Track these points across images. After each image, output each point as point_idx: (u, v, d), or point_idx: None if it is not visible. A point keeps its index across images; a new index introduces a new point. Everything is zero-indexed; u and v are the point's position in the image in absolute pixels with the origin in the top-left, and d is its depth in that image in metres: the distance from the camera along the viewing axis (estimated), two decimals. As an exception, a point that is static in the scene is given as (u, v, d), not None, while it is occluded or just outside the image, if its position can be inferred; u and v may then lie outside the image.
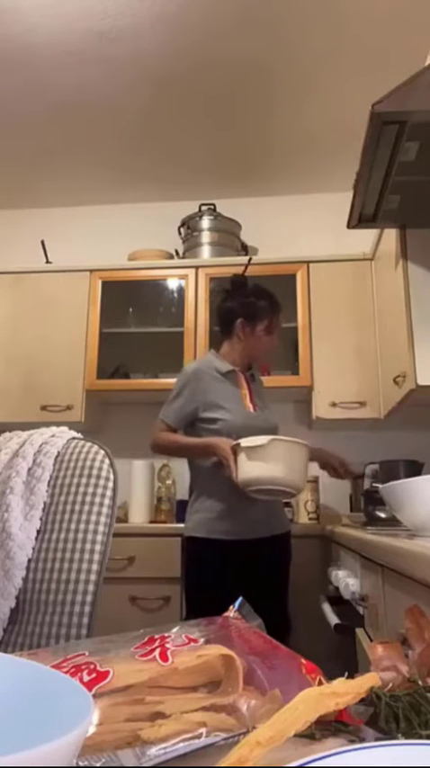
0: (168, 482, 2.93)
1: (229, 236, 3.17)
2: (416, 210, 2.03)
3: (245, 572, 1.83)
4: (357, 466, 2.51)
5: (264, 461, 1.73)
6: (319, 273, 2.91)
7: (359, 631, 1.50)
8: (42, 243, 3.18)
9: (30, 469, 1.01)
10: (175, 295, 3.11)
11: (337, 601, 1.82)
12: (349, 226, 2.10)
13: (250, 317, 2.05)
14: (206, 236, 3.12)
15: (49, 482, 1.00)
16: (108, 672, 0.40)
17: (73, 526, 0.95)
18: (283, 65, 2.48)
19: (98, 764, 0.35)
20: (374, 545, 1.20)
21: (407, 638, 0.50)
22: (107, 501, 0.97)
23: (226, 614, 0.54)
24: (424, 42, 1.68)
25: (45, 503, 0.98)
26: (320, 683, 0.44)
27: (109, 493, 0.98)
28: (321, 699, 0.37)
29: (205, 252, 3.10)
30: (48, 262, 3.17)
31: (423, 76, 1.42)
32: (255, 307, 2.06)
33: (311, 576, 2.28)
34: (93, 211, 3.52)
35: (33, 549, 0.95)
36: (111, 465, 1.01)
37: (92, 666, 0.41)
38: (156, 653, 0.43)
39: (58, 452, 1.03)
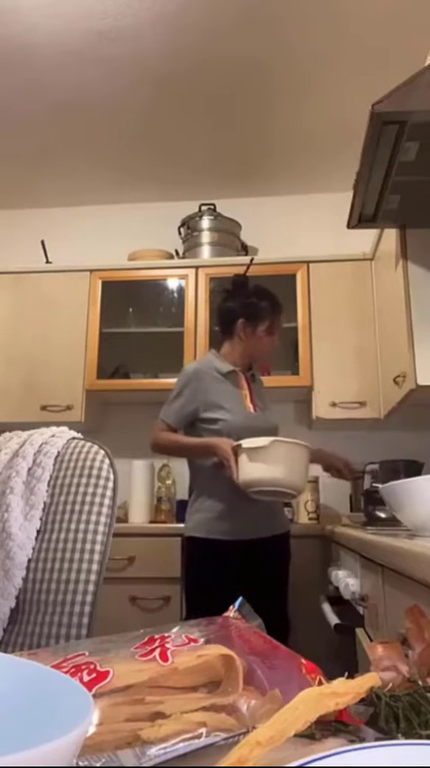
0: (168, 482, 2.93)
1: (229, 236, 3.17)
2: (416, 210, 2.03)
3: (245, 572, 1.83)
4: (357, 466, 2.52)
5: (266, 463, 1.73)
6: (319, 273, 2.91)
7: (359, 631, 1.50)
8: (42, 243, 3.18)
9: (30, 469, 1.01)
10: (175, 295, 3.11)
11: (337, 601, 1.82)
12: (349, 226, 2.10)
13: (251, 317, 2.05)
14: (206, 236, 3.12)
15: (49, 482, 1.00)
16: (108, 672, 0.40)
17: (73, 526, 0.95)
18: (283, 65, 2.48)
19: (98, 764, 0.35)
20: (374, 545, 1.20)
21: (407, 638, 0.50)
22: (107, 501, 0.97)
23: (226, 614, 0.54)
24: (424, 42, 1.68)
25: (45, 503, 0.98)
26: (320, 683, 0.44)
27: (109, 493, 0.98)
28: (321, 699, 0.37)
29: (205, 252, 3.10)
30: (48, 262, 3.17)
31: (423, 76, 1.42)
32: (257, 307, 2.06)
33: (311, 576, 2.28)
34: (93, 211, 3.52)
35: (33, 549, 0.95)
36: (112, 465, 1.01)
37: (92, 666, 0.41)
38: (156, 653, 0.43)
39: (58, 452, 1.03)
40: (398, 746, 0.32)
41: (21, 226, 3.52)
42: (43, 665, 0.37)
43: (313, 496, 2.76)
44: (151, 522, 2.79)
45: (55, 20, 2.26)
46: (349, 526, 2.04)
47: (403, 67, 1.52)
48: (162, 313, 3.19)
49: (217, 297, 2.76)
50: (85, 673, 0.41)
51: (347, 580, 1.64)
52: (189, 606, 1.95)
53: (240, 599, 0.56)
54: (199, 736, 0.38)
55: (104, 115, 2.80)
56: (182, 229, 3.22)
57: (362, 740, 0.40)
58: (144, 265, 3.09)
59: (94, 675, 0.40)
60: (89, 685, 0.39)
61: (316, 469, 2.27)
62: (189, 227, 3.18)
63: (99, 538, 0.94)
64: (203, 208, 3.18)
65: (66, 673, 0.40)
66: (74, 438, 1.07)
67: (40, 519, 0.97)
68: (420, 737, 0.39)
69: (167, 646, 0.44)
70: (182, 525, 2.04)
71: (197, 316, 2.93)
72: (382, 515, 1.93)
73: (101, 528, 0.95)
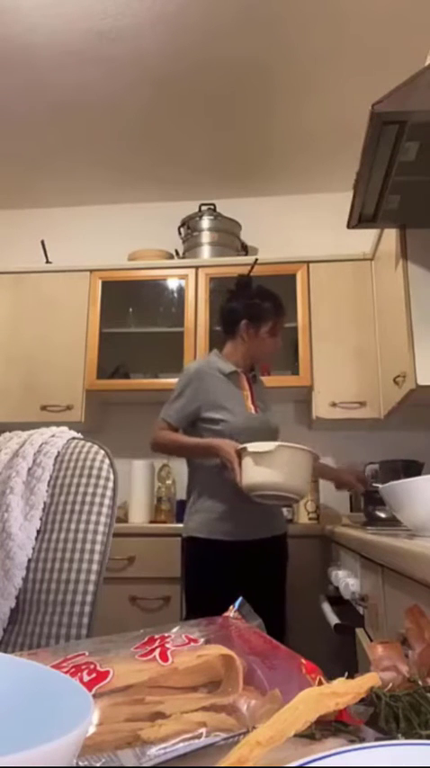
0: (168, 482, 2.93)
1: (229, 236, 3.17)
2: (416, 210, 2.03)
3: (245, 572, 1.83)
4: (358, 466, 2.53)
5: (270, 467, 1.72)
6: (319, 273, 2.91)
7: (359, 631, 1.50)
8: (42, 243, 3.18)
9: (30, 469, 1.01)
10: (175, 295, 3.11)
11: (337, 601, 1.82)
12: (349, 226, 2.10)
13: (254, 318, 2.05)
14: (206, 236, 3.12)
15: (49, 482, 1.00)
16: (108, 672, 0.40)
17: (73, 526, 0.95)
18: (283, 65, 2.48)
19: (98, 764, 0.35)
20: (374, 545, 1.20)
21: (407, 638, 0.50)
22: (107, 501, 0.97)
23: (226, 614, 0.54)
24: (424, 42, 1.68)
25: (45, 503, 0.98)
26: (320, 683, 0.44)
27: (109, 493, 0.98)
28: (321, 699, 0.37)
29: (205, 252, 3.10)
30: (48, 262, 3.17)
31: (423, 76, 1.42)
32: (260, 308, 2.05)
33: (311, 576, 2.28)
34: (93, 211, 3.52)
35: (33, 549, 0.95)
36: (112, 465, 1.01)
37: (92, 666, 0.41)
38: (156, 653, 0.43)
39: (58, 452, 1.03)
40: (398, 746, 0.32)
41: (21, 226, 3.52)
42: (43, 665, 0.37)
43: (313, 496, 2.76)
44: (151, 522, 2.79)
45: (55, 20, 2.26)
46: (349, 526, 2.04)
47: (403, 67, 1.52)
48: (162, 313, 3.19)
49: (217, 297, 2.76)
50: (84, 673, 0.41)
51: (347, 580, 1.64)
52: (189, 606, 1.95)
53: (240, 599, 0.56)
54: (199, 736, 0.38)
55: (104, 115, 2.80)
56: (182, 229, 3.22)
57: (362, 740, 0.40)
58: (144, 265, 3.09)
59: (94, 675, 0.40)
60: (89, 685, 0.39)
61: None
62: (189, 227, 3.18)
63: (99, 538, 0.94)
64: (203, 208, 3.18)
65: (66, 673, 0.40)
66: (74, 438, 1.07)
67: (40, 519, 0.97)
68: (420, 737, 0.39)
69: (167, 646, 0.44)
70: (182, 525, 2.04)
71: (197, 316, 2.93)
72: (382, 515, 1.93)
73: (101, 528, 0.95)
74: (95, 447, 1.03)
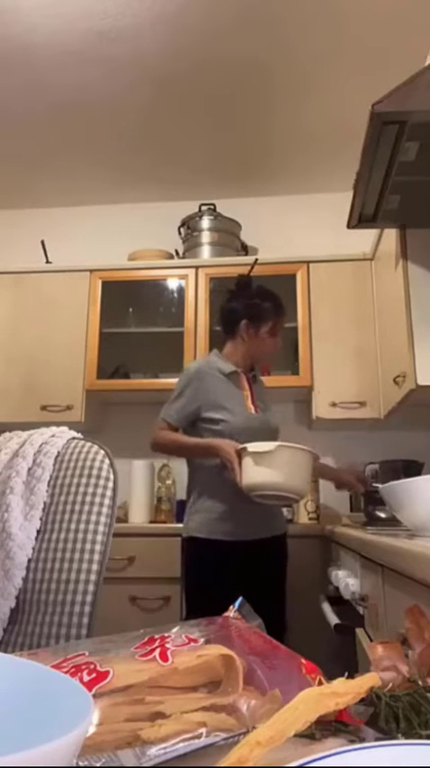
0: (168, 482, 2.93)
1: (229, 236, 3.17)
2: (416, 210, 2.03)
3: (245, 572, 1.83)
4: (358, 466, 2.53)
5: (271, 467, 1.73)
6: (319, 273, 2.91)
7: (359, 631, 1.50)
8: (42, 243, 3.18)
9: (30, 469, 1.01)
10: (175, 295, 3.11)
11: (337, 601, 1.82)
12: (349, 226, 2.10)
13: (255, 318, 2.05)
14: (206, 236, 3.12)
15: (49, 482, 1.00)
16: (108, 672, 0.40)
17: (73, 526, 0.95)
18: (283, 65, 2.48)
19: (98, 764, 0.35)
20: (374, 545, 1.20)
21: (407, 638, 0.50)
22: (107, 501, 0.97)
23: (226, 614, 0.54)
24: (424, 42, 1.68)
25: (45, 503, 0.98)
26: (320, 683, 0.44)
27: (109, 493, 0.98)
28: (321, 699, 0.37)
29: (205, 252, 3.10)
30: (48, 262, 3.17)
31: (423, 76, 1.42)
32: (260, 308, 2.05)
33: (311, 576, 2.28)
34: (93, 211, 3.52)
35: (33, 549, 0.95)
36: (112, 465, 1.01)
37: (92, 666, 0.41)
38: (156, 653, 0.43)
39: (58, 452, 1.03)
40: (398, 746, 0.32)
41: (21, 226, 3.52)
42: (43, 665, 0.37)
43: (313, 496, 2.76)
44: (151, 522, 2.79)
45: (55, 20, 2.26)
46: (349, 526, 2.04)
47: (403, 67, 1.52)
48: (162, 313, 3.19)
49: (217, 297, 2.76)
50: (84, 673, 0.41)
51: (347, 580, 1.64)
52: (189, 606, 1.95)
53: (240, 599, 0.56)
54: (199, 736, 0.38)
55: (104, 115, 2.80)
56: (182, 229, 3.22)
57: (362, 740, 0.40)
58: (144, 265, 3.09)
59: (94, 675, 0.40)
60: (89, 685, 0.39)
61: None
62: (189, 227, 3.18)
63: (99, 538, 0.94)
64: (203, 208, 3.18)
65: (66, 673, 0.40)
66: (74, 438, 1.07)
67: (40, 519, 0.97)
68: (420, 737, 0.39)
69: (167, 646, 0.44)
70: (182, 525, 2.04)
71: (197, 316, 2.93)
72: (382, 515, 1.93)
73: (101, 528, 0.95)
74: (95, 447, 1.03)
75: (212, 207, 3.19)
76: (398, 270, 2.23)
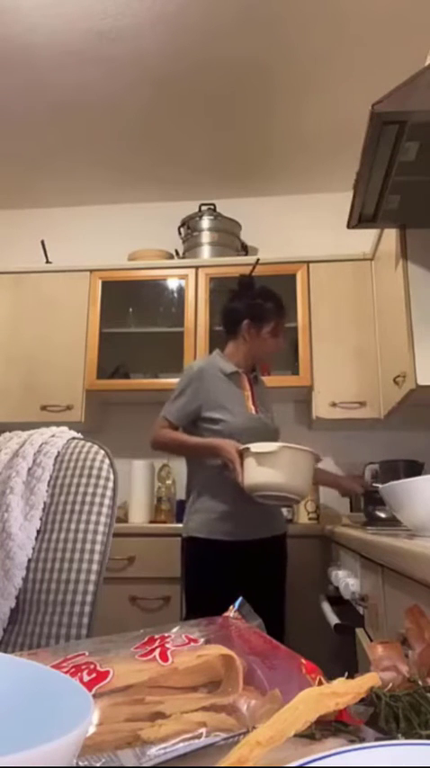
0: (168, 482, 2.93)
1: (229, 236, 3.17)
2: (416, 210, 2.03)
3: (245, 572, 1.83)
4: (358, 466, 2.53)
5: (273, 468, 1.73)
6: (319, 273, 2.91)
7: (359, 631, 1.50)
8: (42, 243, 3.18)
9: (30, 469, 1.01)
10: (175, 295, 3.11)
11: (337, 601, 1.82)
12: (349, 226, 2.10)
13: (256, 318, 2.05)
14: (206, 236, 3.12)
15: (49, 482, 1.00)
16: (108, 672, 0.40)
17: (73, 526, 0.95)
18: (283, 65, 2.48)
19: (98, 764, 0.35)
20: (374, 545, 1.20)
21: (407, 638, 0.50)
22: (107, 501, 0.97)
23: (226, 614, 0.54)
24: (424, 42, 1.68)
25: (45, 503, 0.98)
26: (320, 683, 0.44)
27: (109, 493, 0.98)
28: (321, 699, 0.37)
29: (205, 252, 3.10)
30: (48, 262, 3.17)
31: (423, 76, 1.42)
32: (262, 308, 2.06)
33: (311, 576, 2.28)
34: (93, 211, 3.52)
35: (33, 549, 0.95)
36: (112, 465, 1.01)
37: (92, 666, 0.41)
38: (156, 653, 0.43)
39: (58, 452, 1.03)
40: (398, 746, 0.32)
41: (21, 226, 3.52)
42: (43, 665, 0.37)
43: (313, 496, 2.76)
44: (151, 522, 2.79)
45: (55, 20, 2.26)
46: (349, 526, 2.04)
47: (403, 67, 1.52)
48: (162, 313, 3.19)
49: (217, 297, 2.76)
50: (84, 673, 0.41)
51: (347, 580, 1.64)
52: (189, 606, 1.95)
53: (240, 599, 0.56)
54: (199, 736, 0.38)
55: (104, 115, 2.80)
56: (182, 229, 3.22)
57: (362, 740, 0.40)
58: (144, 265, 3.09)
59: (94, 675, 0.40)
60: (89, 685, 0.39)
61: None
62: (189, 227, 3.18)
63: (99, 538, 0.94)
64: (203, 208, 3.18)
65: (66, 673, 0.40)
66: (74, 438, 1.07)
67: (40, 519, 0.97)
68: (420, 737, 0.39)
69: (167, 646, 0.44)
70: (182, 525, 2.03)
71: (197, 316, 2.93)
72: (382, 515, 1.93)
73: (101, 528, 0.95)
74: (95, 447, 1.03)
75: (212, 207, 3.19)
76: (398, 270, 2.23)
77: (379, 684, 0.42)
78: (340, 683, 0.40)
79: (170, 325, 3.05)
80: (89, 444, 1.04)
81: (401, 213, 2.06)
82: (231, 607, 0.55)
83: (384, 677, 0.45)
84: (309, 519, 2.74)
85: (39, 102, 2.71)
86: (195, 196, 3.25)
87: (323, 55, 2.42)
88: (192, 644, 0.45)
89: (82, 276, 3.05)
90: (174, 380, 2.08)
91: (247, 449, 1.77)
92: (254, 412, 2.02)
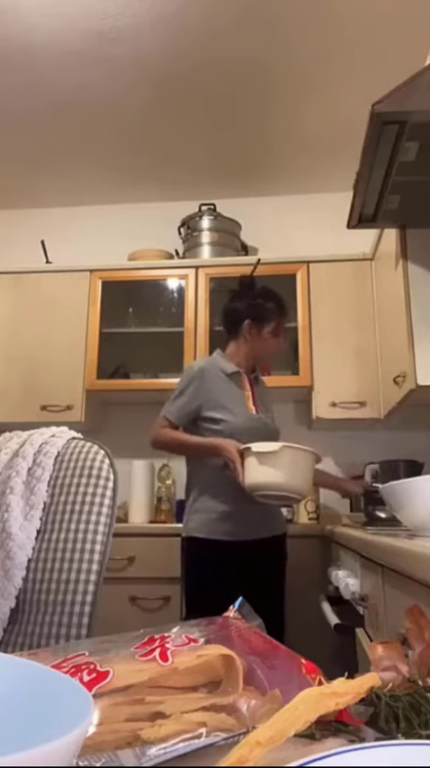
0: (168, 482, 2.93)
1: (229, 236, 3.17)
2: (416, 210, 2.03)
3: (245, 572, 1.83)
4: (358, 466, 2.53)
5: (274, 467, 1.73)
6: (319, 273, 2.91)
7: (359, 631, 1.50)
8: (42, 243, 3.18)
9: (30, 469, 1.01)
10: (175, 295, 3.11)
11: (337, 601, 1.82)
12: (349, 226, 2.10)
13: (257, 318, 2.05)
14: (206, 236, 3.12)
15: (49, 482, 1.00)
16: (108, 672, 0.40)
17: (73, 526, 0.95)
18: (283, 65, 2.48)
19: (98, 764, 0.35)
20: (374, 545, 1.20)
21: (407, 638, 0.50)
22: (107, 501, 0.97)
23: (226, 614, 0.54)
24: (424, 42, 1.68)
25: (45, 503, 0.98)
26: (320, 683, 0.44)
27: (109, 493, 0.98)
28: (321, 699, 0.37)
29: (205, 252, 3.10)
30: (48, 262, 3.17)
31: (423, 76, 1.42)
32: (263, 308, 2.06)
33: (311, 576, 2.28)
34: (93, 211, 3.52)
35: (33, 549, 0.95)
36: (112, 465, 1.01)
37: (92, 666, 0.41)
38: (156, 653, 0.43)
39: (58, 452, 1.03)
40: (398, 746, 0.32)
41: (21, 226, 3.52)
42: (43, 665, 0.37)
43: (313, 496, 2.76)
44: (151, 522, 2.79)
45: (55, 20, 2.26)
46: (349, 526, 2.04)
47: (403, 67, 1.52)
48: (162, 313, 3.19)
49: (217, 297, 2.76)
50: (84, 673, 0.41)
51: (347, 580, 1.64)
52: (189, 606, 1.95)
53: (240, 599, 0.56)
54: (199, 736, 0.38)
55: (104, 115, 2.80)
56: (182, 229, 3.22)
57: (362, 740, 0.40)
58: (144, 265, 3.09)
59: (94, 675, 0.40)
60: (89, 685, 0.39)
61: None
62: (189, 227, 3.18)
63: (99, 538, 0.94)
64: (203, 208, 3.18)
65: (66, 673, 0.40)
66: (74, 438, 1.07)
67: (40, 519, 0.97)
68: (420, 737, 0.39)
69: (167, 646, 0.44)
70: (181, 525, 2.03)
71: (197, 316, 2.93)
72: (382, 515, 1.93)
73: (101, 528, 0.95)
74: (95, 447, 1.03)
75: (212, 207, 3.19)
76: (398, 270, 2.23)
77: (379, 684, 0.42)
78: (340, 683, 0.40)
79: (170, 325, 3.05)
80: (89, 444, 1.04)
81: (401, 213, 2.06)
82: (231, 607, 0.55)
83: (384, 677, 0.45)
84: (309, 519, 2.74)
85: (39, 102, 2.71)
86: (195, 196, 3.25)
87: (323, 55, 2.42)
88: (192, 644, 0.45)
89: (82, 276, 3.05)
90: (175, 380, 2.08)
91: (248, 448, 1.77)
92: (254, 412, 2.02)
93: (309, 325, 2.84)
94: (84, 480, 0.98)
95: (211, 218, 3.15)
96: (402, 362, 2.19)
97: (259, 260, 2.58)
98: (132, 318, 3.21)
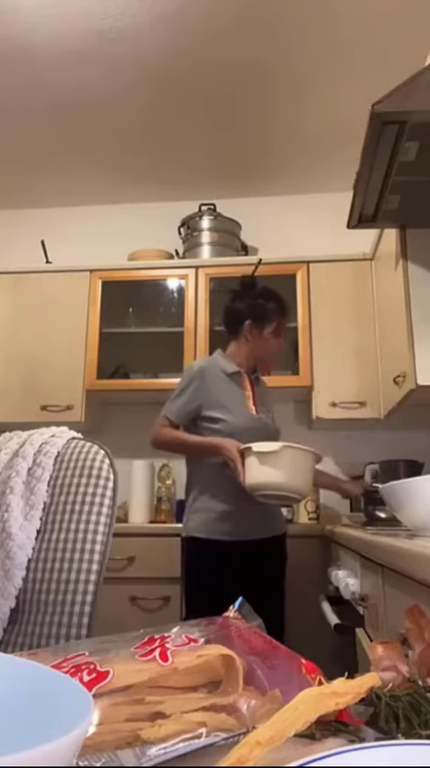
0: (168, 482, 2.93)
1: (229, 236, 3.17)
2: (416, 210, 2.03)
3: (245, 572, 1.83)
4: (358, 466, 2.53)
5: (275, 467, 1.73)
6: (319, 273, 2.91)
7: (359, 631, 1.50)
8: (42, 243, 3.18)
9: (30, 469, 1.01)
10: (175, 295, 3.11)
11: (337, 601, 1.82)
12: (349, 226, 2.10)
13: (258, 318, 2.05)
14: (206, 236, 3.12)
15: (49, 482, 1.00)
16: (108, 672, 0.40)
17: (73, 526, 0.95)
18: (283, 65, 2.48)
19: (98, 764, 0.35)
20: (374, 545, 1.20)
21: (407, 638, 0.50)
22: (107, 501, 0.97)
23: (226, 614, 0.54)
24: (424, 42, 1.68)
25: (45, 503, 0.98)
26: (320, 683, 0.44)
27: (109, 493, 0.98)
28: (321, 699, 0.37)
29: (205, 252, 3.10)
30: (48, 262, 3.17)
31: (423, 76, 1.42)
32: (264, 309, 2.06)
33: (311, 576, 2.28)
34: (93, 211, 3.52)
35: (33, 549, 0.95)
36: (112, 465, 1.01)
37: (92, 666, 0.41)
38: (156, 653, 0.43)
39: (58, 452, 1.03)
40: (398, 746, 0.32)
41: (21, 226, 3.52)
42: (43, 665, 0.37)
43: (313, 496, 2.76)
44: (151, 522, 2.79)
45: (55, 20, 2.26)
46: (349, 526, 2.04)
47: (403, 67, 1.52)
48: (162, 313, 3.19)
49: (217, 297, 2.76)
50: (84, 673, 0.41)
51: (347, 580, 1.64)
52: (189, 606, 1.95)
53: (240, 599, 0.56)
54: (199, 736, 0.38)
55: (104, 115, 2.80)
56: (182, 229, 3.22)
57: (362, 740, 0.40)
58: (144, 265, 3.09)
59: (94, 675, 0.40)
60: (89, 685, 0.39)
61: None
62: (189, 227, 3.18)
63: (99, 538, 0.94)
64: (203, 208, 3.18)
65: (66, 673, 0.40)
66: (74, 438, 1.07)
67: (40, 519, 0.97)
68: (420, 737, 0.39)
69: (167, 646, 0.44)
70: (181, 525, 2.03)
71: (197, 316, 2.93)
72: (382, 515, 1.93)
73: (101, 528, 0.95)
74: (95, 447, 1.03)
75: (212, 207, 3.19)
76: (398, 270, 2.23)
77: (379, 684, 0.42)
78: (340, 683, 0.40)
79: (170, 325, 3.05)
80: (89, 444, 1.04)
81: (401, 213, 2.06)
82: (231, 607, 0.55)
83: (384, 677, 0.45)
84: (309, 519, 2.74)
85: (39, 102, 2.71)
86: (195, 196, 3.25)
87: (323, 55, 2.42)
88: (192, 644, 0.45)
89: (82, 276, 3.05)
90: (175, 380, 2.08)
91: (249, 448, 1.77)
92: (254, 412, 2.02)
93: (309, 325, 2.84)
94: (84, 480, 0.98)
95: (211, 218, 3.15)
96: (402, 362, 2.19)
97: (260, 260, 2.58)
98: (132, 318, 3.21)
